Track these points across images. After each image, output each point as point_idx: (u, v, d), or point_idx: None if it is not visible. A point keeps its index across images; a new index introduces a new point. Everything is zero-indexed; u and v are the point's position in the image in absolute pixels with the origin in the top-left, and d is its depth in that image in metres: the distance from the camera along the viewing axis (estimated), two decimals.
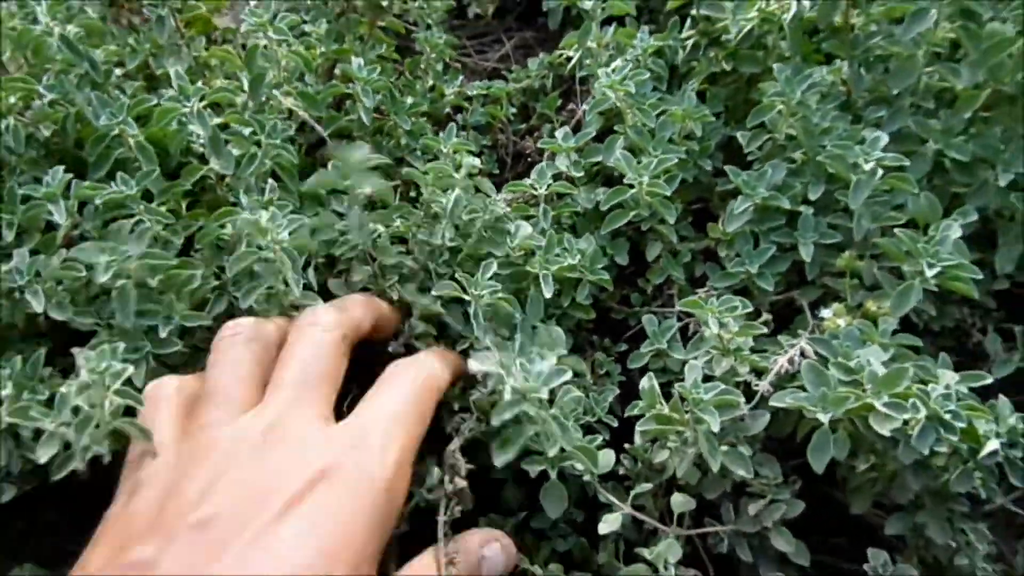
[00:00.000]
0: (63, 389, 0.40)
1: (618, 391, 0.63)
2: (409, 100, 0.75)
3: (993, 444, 0.42)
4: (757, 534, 0.52)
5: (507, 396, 0.47)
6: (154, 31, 0.64)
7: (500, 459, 0.53)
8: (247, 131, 0.59)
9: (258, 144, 0.58)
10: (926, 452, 0.42)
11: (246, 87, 0.61)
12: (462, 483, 0.51)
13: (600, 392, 0.62)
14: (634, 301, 0.68)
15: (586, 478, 0.52)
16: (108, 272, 0.49)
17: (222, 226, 0.55)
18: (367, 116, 0.63)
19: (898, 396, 0.43)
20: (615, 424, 0.60)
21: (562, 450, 0.52)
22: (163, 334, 0.52)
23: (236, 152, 0.58)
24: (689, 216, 0.72)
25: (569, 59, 0.81)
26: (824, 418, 0.44)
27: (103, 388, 0.40)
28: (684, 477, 0.54)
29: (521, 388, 0.49)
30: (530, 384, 0.49)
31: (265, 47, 0.62)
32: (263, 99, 0.62)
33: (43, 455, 0.40)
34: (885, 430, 0.43)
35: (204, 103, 0.55)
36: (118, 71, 0.68)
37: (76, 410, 0.40)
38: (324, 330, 0.50)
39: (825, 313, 0.56)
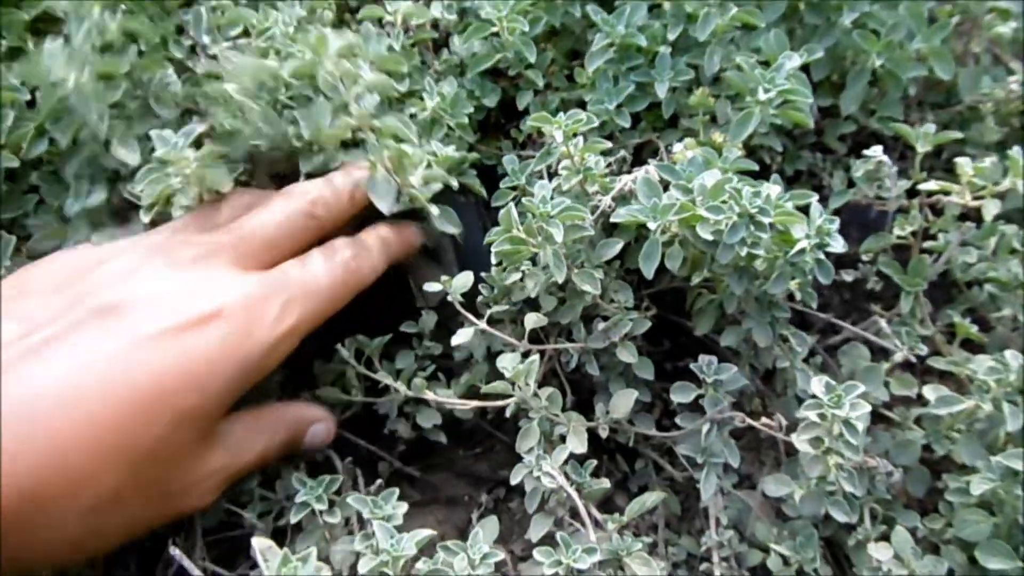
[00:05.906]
0: None
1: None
2: None
3: (803, 243, 0.46)
4: (605, 350, 0.56)
5: None
6: None
7: None
8: None
9: None
10: (739, 247, 0.45)
11: None
12: None
13: None
14: (504, 149, 0.69)
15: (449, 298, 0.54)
16: None
17: None
18: None
19: (720, 202, 0.46)
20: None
21: None
22: None
23: None
24: (565, 69, 0.73)
25: None
26: (653, 225, 0.47)
27: None
28: (543, 304, 0.57)
29: None
30: None
31: None
32: None
33: None
34: (707, 234, 0.46)
35: None
36: None
37: None
38: (294, 201, 0.51)
39: (676, 147, 0.58)
